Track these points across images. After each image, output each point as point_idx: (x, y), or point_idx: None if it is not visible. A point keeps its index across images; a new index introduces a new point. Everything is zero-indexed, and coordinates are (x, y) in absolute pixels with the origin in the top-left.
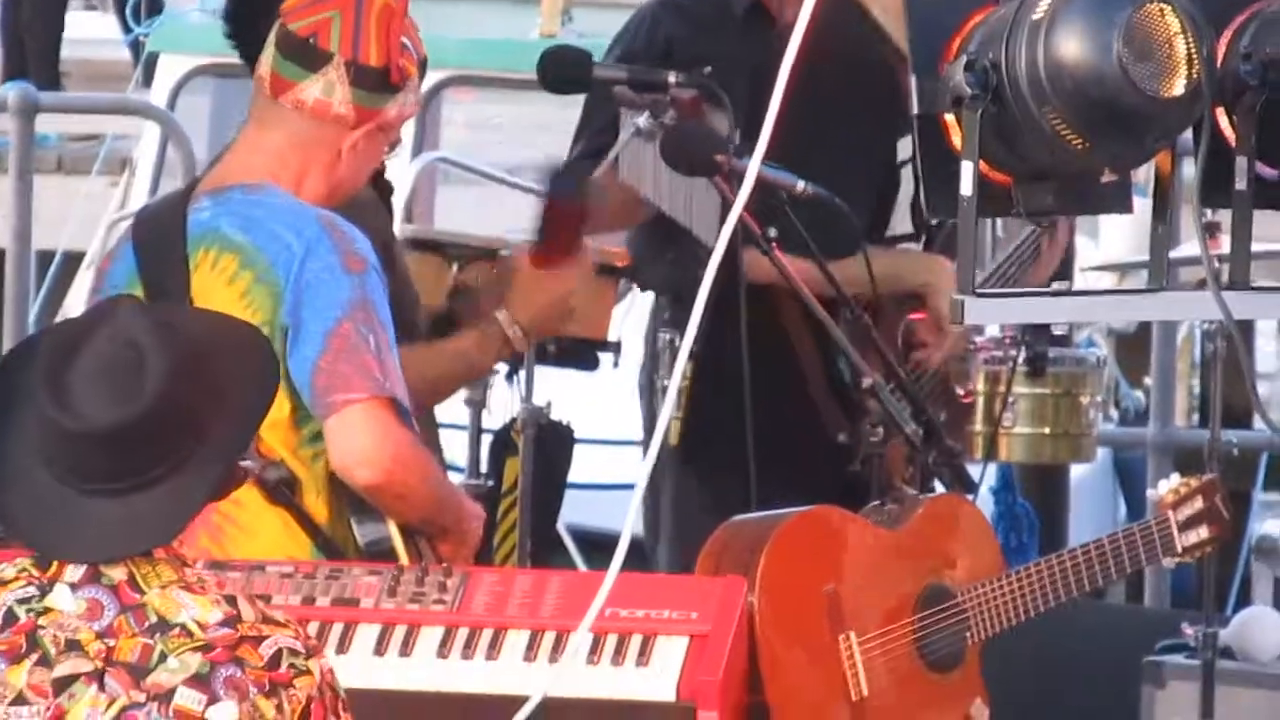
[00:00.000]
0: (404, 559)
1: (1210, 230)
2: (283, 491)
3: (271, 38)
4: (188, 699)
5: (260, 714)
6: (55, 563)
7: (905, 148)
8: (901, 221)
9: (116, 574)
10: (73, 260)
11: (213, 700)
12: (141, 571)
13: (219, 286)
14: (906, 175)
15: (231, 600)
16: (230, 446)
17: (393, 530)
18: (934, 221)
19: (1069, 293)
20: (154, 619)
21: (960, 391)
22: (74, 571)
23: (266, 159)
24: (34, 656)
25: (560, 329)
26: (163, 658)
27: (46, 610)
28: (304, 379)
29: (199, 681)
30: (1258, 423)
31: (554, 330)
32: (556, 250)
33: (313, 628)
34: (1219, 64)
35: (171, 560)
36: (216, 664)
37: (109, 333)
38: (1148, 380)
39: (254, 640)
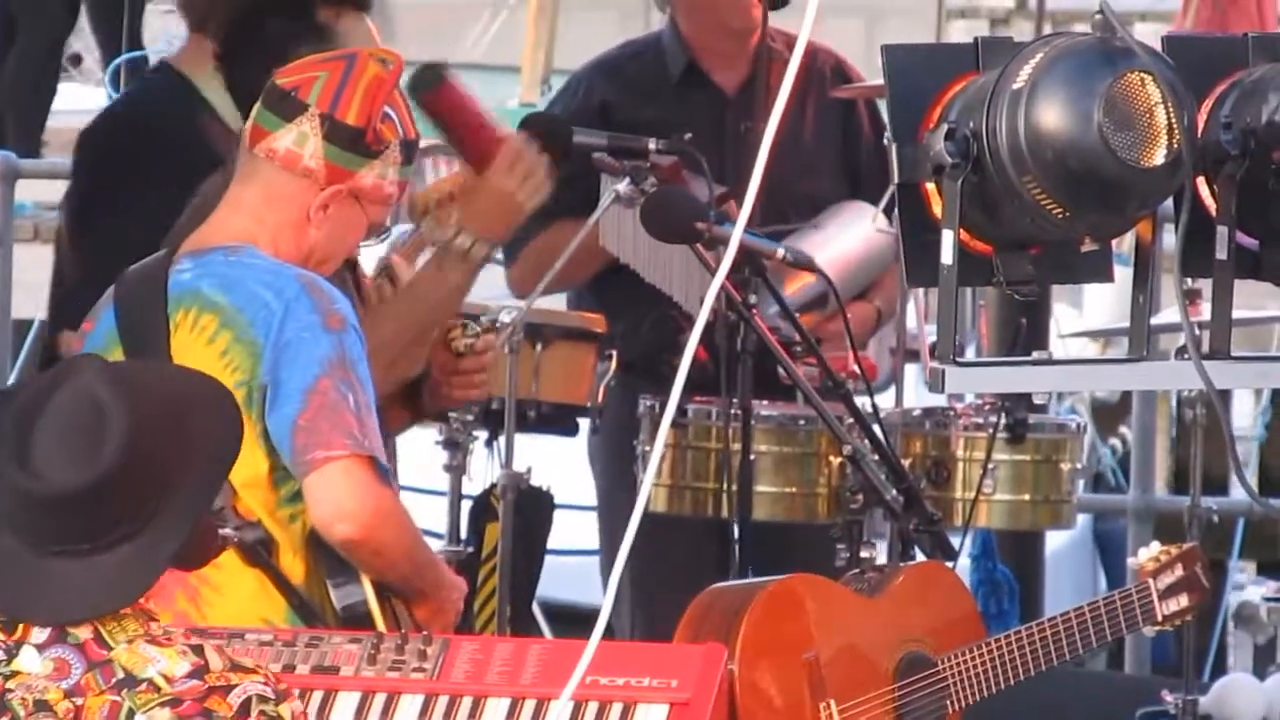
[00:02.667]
0: (379, 621)
1: (1190, 297)
2: (259, 552)
3: (262, 95)
4: None
5: None
6: (21, 625)
7: None
8: None
9: (82, 632)
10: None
11: None
12: (107, 628)
13: (199, 346)
14: None
15: (199, 650)
16: (195, 505)
17: (369, 592)
18: None
19: (1050, 362)
20: (121, 674)
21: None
22: (39, 633)
23: (245, 218)
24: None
25: (514, 219)
26: (130, 714)
27: (15, 673)
28: (283, 437)
29: None
30: (1234, 489)
31: (509, 227)
32: (472, 148)
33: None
34: (1199, 133)
35: (137, 615)
36: (185, 717)
37: (71, 392)
38: (1124, 430)
39: (223, 690)
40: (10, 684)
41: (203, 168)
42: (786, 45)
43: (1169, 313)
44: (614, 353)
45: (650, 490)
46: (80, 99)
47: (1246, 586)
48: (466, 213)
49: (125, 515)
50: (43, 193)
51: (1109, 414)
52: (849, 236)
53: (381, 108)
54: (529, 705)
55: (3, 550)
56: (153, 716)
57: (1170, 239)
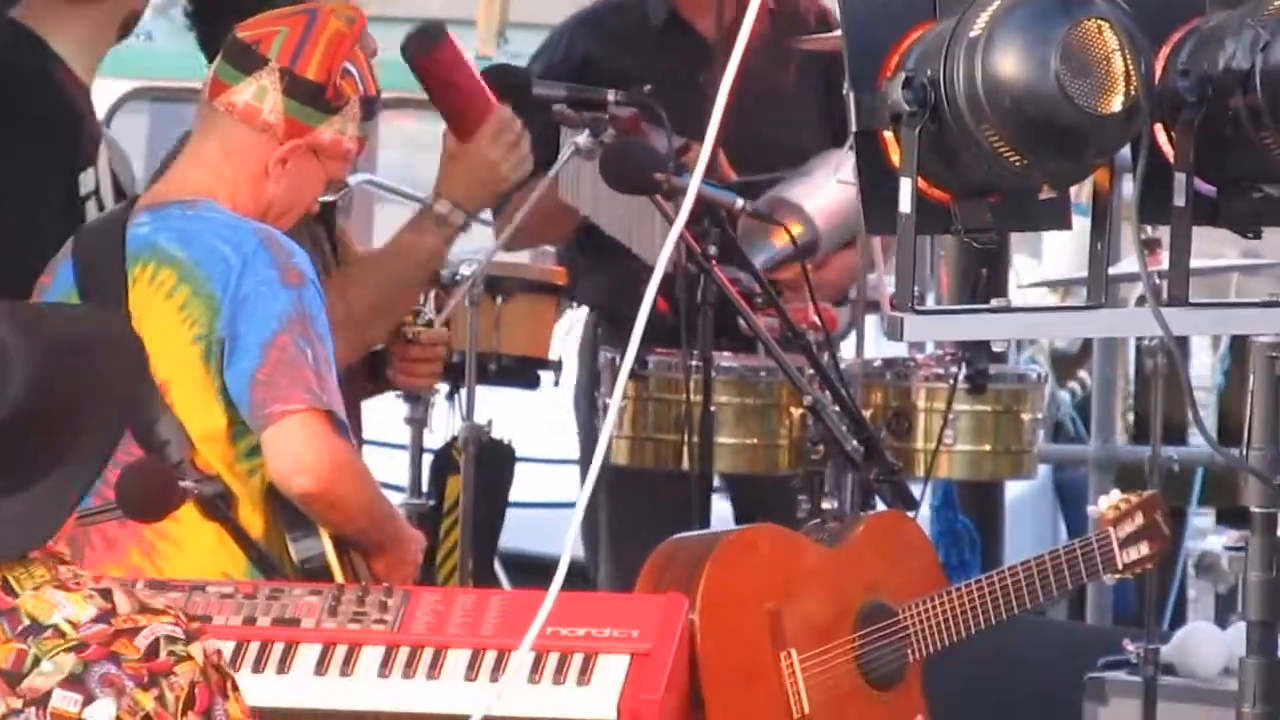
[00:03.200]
0: (338, 574)
1: (1150, 247)
2: (218, 506)
3: (222, 48)
4: (64, 701)
5: (139, 707)
6: None
7: None
8: None
9: None
10: None
11: (89, 700)
12: (14, 574)
13: (157, 300)
14: None
15: (106, 594)
16: (104, 445)
17: (326, 545)
18: None
19: (1008, 309)
20: (27, 622)
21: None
22: None
23: (203, 172)
24: None
25: (495, 190)
26: (36, 661)
27: None
28: (241, 391)
29: (74, 682)
30: (1193, 438)
31: (489, 197)
32: (461, 114)
33: (254, 647)
34: (1157, 80)
35: (46, 559)
36: (91, 662)
37: None
38: (1082, 374)
39: (130, 633)
40: None
41: (57, 119)
42: None
43: (1129, 262)
44: (574, 304)
45: (611, 442)
46: None
47: (1208, 536)
48: (447, 179)
49: (32, 457)
50: None
51: (1068, 363)
52: (836, 184)
53: (342, 63)
54: (490, 656)
55: None
56: (58, 662)
57: (1129, 187)
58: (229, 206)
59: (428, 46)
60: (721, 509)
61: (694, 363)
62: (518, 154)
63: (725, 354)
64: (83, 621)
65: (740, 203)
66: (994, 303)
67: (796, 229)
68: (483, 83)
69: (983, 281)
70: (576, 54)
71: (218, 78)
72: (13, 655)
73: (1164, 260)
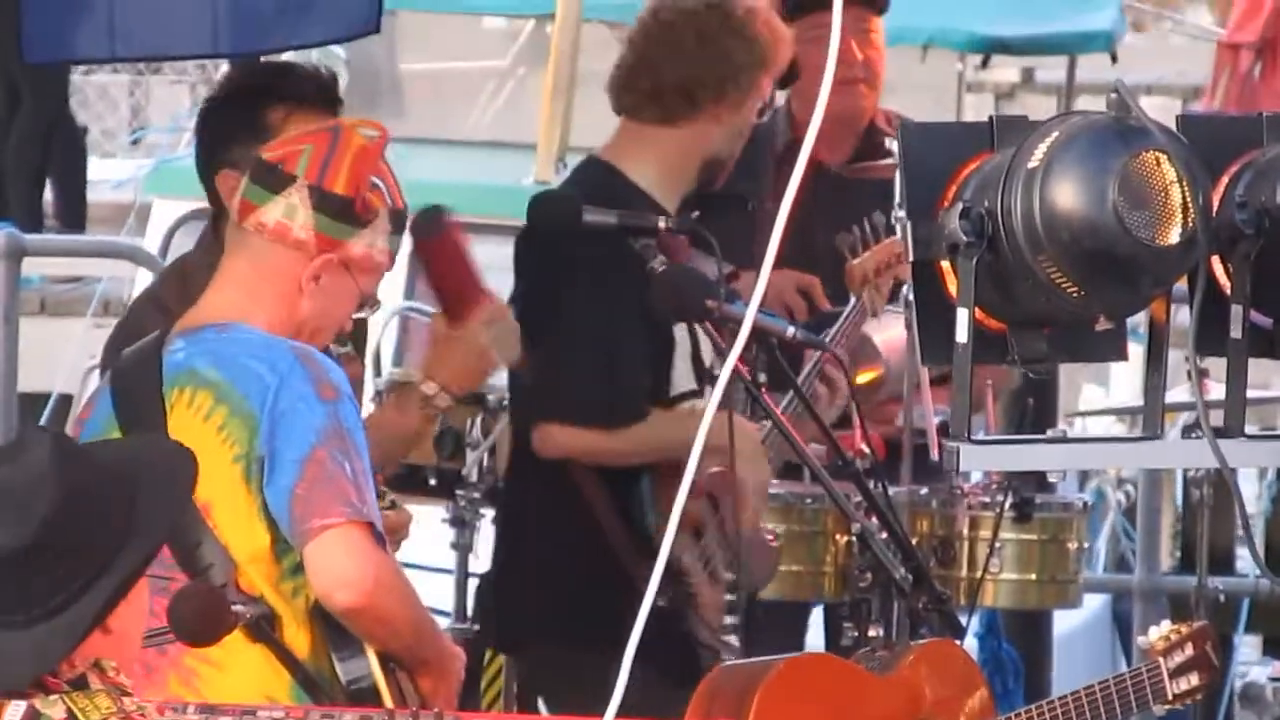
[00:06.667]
0: (385, 694)
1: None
2: (262, 628)
3: (249, 170)
4: None
5: None
6: None
7: None
8: (684, 378)
9: (55, 712)
10: (66, 403)
11: None
12: (80, 706)
13: (195, 424)
14: (681, 332)
15: None
16: (127, 582)
17: (374, 665)
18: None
19: (1063, 440)
20: None
21: None
22: (14, 712)
23: (236, 293)
24: None
25: (482, 377)
26: None
27: None
28: (281, 508)
29: None
30: (1239, 566)
31: (475, 382)
32: (454, 299)
33: None
34: (1214, 212)
35: (110, 690)
36: None
37: (13, 464)
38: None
39: None
40: None
41: None
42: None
43: (1178, 391)
44: None
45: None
46: (109, 171)
47: (1253, 667)
48: (435, 361)
49: (57, 584)
50: (49, 266)
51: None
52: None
53: (368, 177)
54: None
55: None
56: None
57: (1182, 317)
58: (264, 326)
59: (432, 228)
60: None
61: None
62: (509, 343)
63: (772, 480)
64: None
65: (791, 330)
66: (1049, 433)
67: (872, 373)
68: (477, 267)
69: (1030, 411)
70: None
71: (245, 199)
72: None
73: (1213, 390)
